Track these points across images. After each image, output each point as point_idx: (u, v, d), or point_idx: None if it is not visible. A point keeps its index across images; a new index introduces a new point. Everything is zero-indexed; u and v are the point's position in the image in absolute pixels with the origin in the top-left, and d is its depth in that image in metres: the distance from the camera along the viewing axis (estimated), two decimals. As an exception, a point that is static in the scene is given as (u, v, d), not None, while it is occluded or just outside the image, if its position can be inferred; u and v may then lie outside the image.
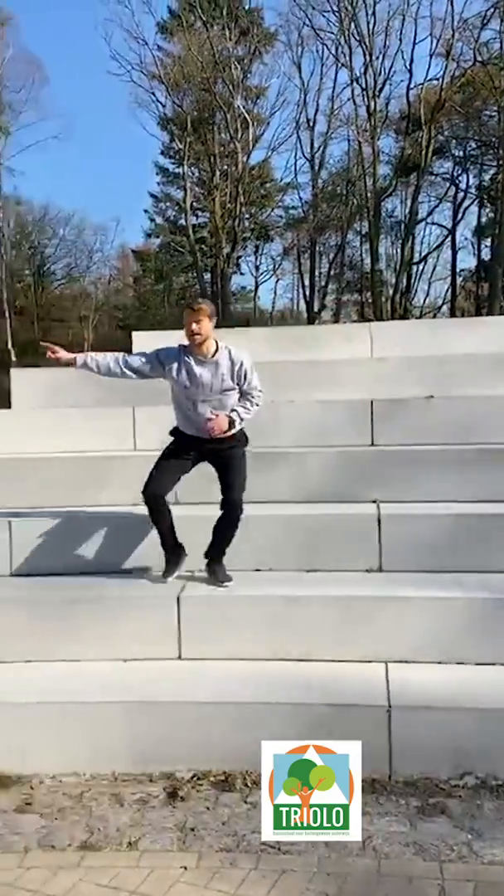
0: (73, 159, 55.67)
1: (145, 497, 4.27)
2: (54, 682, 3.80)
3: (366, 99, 30.60)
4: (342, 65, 31.71)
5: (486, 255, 34.03)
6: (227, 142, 33.16)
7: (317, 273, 35.55)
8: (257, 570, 4.54)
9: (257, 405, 4.31)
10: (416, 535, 4.52)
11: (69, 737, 3.58)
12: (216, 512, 4.33)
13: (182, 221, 35.09)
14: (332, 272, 36.38)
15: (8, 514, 4.89)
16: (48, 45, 53.89)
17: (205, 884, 2.70)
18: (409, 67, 31.73)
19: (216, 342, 4.22)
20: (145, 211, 38.09)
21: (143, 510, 4.40)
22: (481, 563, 4.40)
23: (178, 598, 4.08)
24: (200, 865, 2.82)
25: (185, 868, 2.80)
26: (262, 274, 39.23)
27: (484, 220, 33.83)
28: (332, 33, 31.68)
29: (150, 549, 4.55)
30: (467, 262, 38.25)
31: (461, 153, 33.22)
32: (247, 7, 33.79)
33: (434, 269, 36.17)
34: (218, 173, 33.37)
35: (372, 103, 30.34)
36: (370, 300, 32.90)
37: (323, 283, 36.11)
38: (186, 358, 4.20)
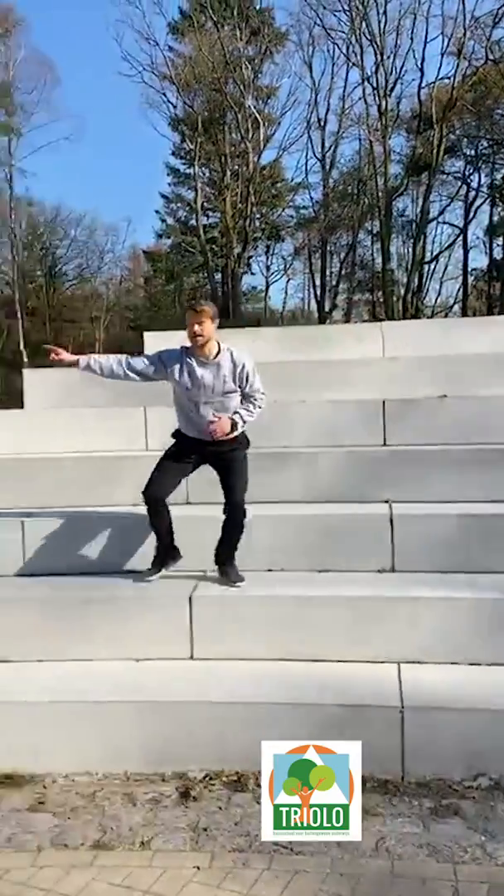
0: (84, 160, 55.82)
1: (145, 498, 4.28)
2: (67, 682, 3.81)
3: (377, 98, 30.57)
4: (353, 64, 31.69)
5: (497, 254, 33.98)
6: (238, 142, 33.19)
7: (328, 273, 35.51)
8: (269, 570, 4.53)
9: (260, 408, 4.31)
10: (429, 535, 4.51)
11: (82, 736, 3.59)
12: (218, 512, 4.33)
13: (193, 222, 35.14)
14: (343, 272, 36.33)
15: (20, 514, 4.91)
16: (60, 45, 54.11)
17: (217, 884, 2.70)
18: (420, 66, 31.73)
19: (218, 344, 4.23)
20: (156, 212, 38.22)
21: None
22: (495, 564, 4.37)
23: (190, 598, 4.08)
24: (213, 865, 2.81)
25: (198, 868, 2.80)
26: (272, 274, 39.24)
27: (496, 218, 33.71)
28: (343, 32, 31.68)
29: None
30: (479, 261, 38.21)
31: (473, 152, 33.09)
32: (258, 7, 33.82)
33: (445, 268, 36.07)
34: (229, 173, 33.40)
35: (383, 102, 30.29)
36: (381, 300, 32.81)
37: (334, 283, 36.07)
38: (188, 359, 4.21)
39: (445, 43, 29.86)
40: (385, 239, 31.35)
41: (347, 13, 30.81)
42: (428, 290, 35.01)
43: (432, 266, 34.74)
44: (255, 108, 32.61)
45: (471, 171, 33.83)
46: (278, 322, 33.90)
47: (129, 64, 42.05)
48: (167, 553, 4.41)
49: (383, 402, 5.73)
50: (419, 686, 3.63)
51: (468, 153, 33.32)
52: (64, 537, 4.72)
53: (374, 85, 30.55)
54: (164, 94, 33.78)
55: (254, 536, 4.50)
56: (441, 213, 34.05)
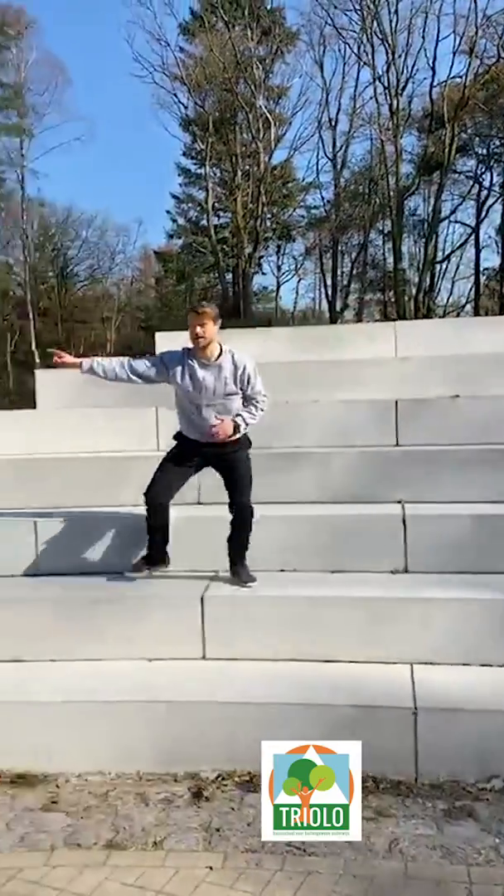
0: (95, 161, 56.00)
1: (146, 499, 4.29)
2: (79, 682, 3.82)
3: (388, 97, 30.48)
4: (364, 63, 31.62)
5: (510, 253, 33.70)
6: (249, 142, 33.19)
7: (339, 272, 35.43)
8: (282, 570, 4.53)
9: (262, 410, 4.30)
10: (442, 535, 4.49)
11: (94, 736, 3.59)
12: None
13: (204, 222, 35.17)
14: (354, 271, 36.25)
15: (33, 514, 4.92)
16: (71, 46, 54.30)
17: (230, 884, 2.70)
18: (431, 65, 31.64)
19: (220, 345, 4.23)
20: (167, 212, 38.26)
21: (169, 511, 4.41)
22: (508, 564, 4.35)
23: (202, 599, 4.08)
24: (226, 866, 2.81)
25: (211, 868, 2.80)
26: (283, 274, 39.18)
27: (508, 217, 33.49)
28: (355, 32, 31.61)
29: (174, 549, 4.55)
30: (491, 260, 37.88)
31: (485, 151, 32.91)
32: (268, 7, 33.79)
33: (457, 267, 35.88)
34: (240, 173, 33.40)
35: (394, 102, 30.20)
36: (393, 299, 32.72)
37: (345, 283, 35.99)
38: (190, 361, 4.21)
39: (457, 41, 29.77)
40: (396, 238, 31.26)
41: (358, 12, 30.78)
42: (440, 289, 34.92)
43: (444, 265, 34.62)
44: (266, 108, 32.60)
45: (483, 169, 33.67)
46: (289, 322, 33.87)
47: (140, 65, 42.17)
48: (158, 554, 4.41)
49: (396, 402, 5.71)
50: (432, 687, 3.62)
51: (480, 152, 33.16)
52: (76, 537, 4.73)
53: (386, 84, 30.50)
54: (175, 95, 33.87)
55: (266, 536, 4.49)
56: (453, 212, 33.94)
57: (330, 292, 35.10)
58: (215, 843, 2.97)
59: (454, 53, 30.58)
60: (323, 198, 35.45)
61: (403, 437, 5.62)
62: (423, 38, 30.11)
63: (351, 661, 3.89)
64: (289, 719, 3.43)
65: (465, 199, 34.08)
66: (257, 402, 4.27)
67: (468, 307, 34.57)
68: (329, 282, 35.42)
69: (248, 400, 4.27)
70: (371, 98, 31.55)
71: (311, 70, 33.85)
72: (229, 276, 35.58)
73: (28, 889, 2.72)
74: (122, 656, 4.02)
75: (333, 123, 33.59)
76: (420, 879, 2.72)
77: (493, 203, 33.73)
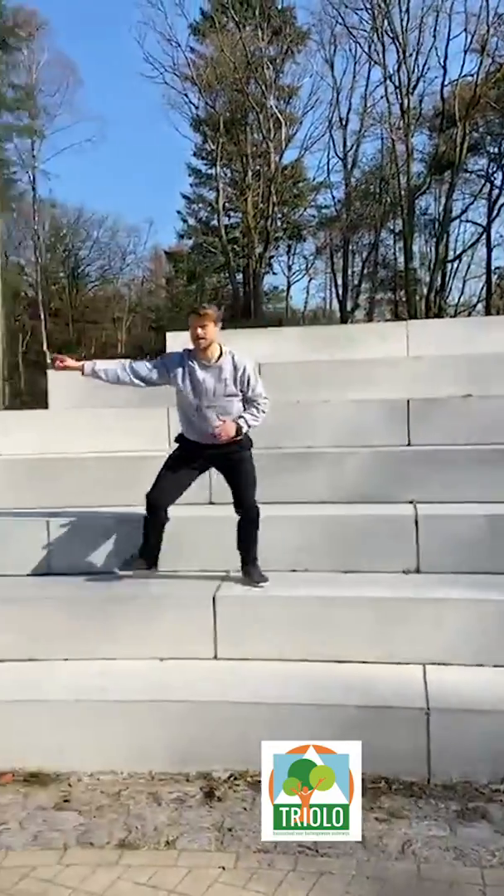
0: (107, 161, 56.15)
1: (148, 501, 4.30)
2: (92, 681, 3.82)
3: (399, 96, 30.37)
4: (375, 62, 31.50)
5: (521, 252, 33.57)
6: (260, 142, 33.18)
7: (350, 272, 35.36)
8: (293, 570, 4.52)
9: (264, 412, 4.30)
10: (455, 535, 4.47)
11: (107, 735, 3.60)
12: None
13: (214, 222, 35.18)
14: (365, 271, 36.16)
15: (45, 513, 4.94)
16: (82, 48, 54.47)
17: (243, 884, 2.70)
18: (443, 64, 31.39)
19: (220, 347, 4.24)
20: (178, 212, 38.30)
21: (180, 511, 4.42)
22: (521, 565, 4.33)
23: (213, 599, 4.08)
24: (238, 866, 2.81)
25: (223, 868, 2.80)
26: (294, 273, 39.12)
27: (519, 216, 33.31)
28: (365, 31, 31.53)
29: (186, 550, 4.56)
30: (502, 259, 37.81)
31: (496, 150, 32.72)
32: (279, 7, 33.75)
33: (469, 266, 35.70)
34: (250, 173, 33.40)
35: (405, 101, 30.10)
36: (404, 299, 32.62)
37: (356, 283, 35.91)
38: (190, 362, 4.23)
39: (468, 40, 29.58)
40: (408, 238, 31.16)
41: (369, 11, 30.68)
42: (451, 288, 34.74)
43: (455, 265, 34.46)
44: (276, 107, 32.58)
45: (494, 168, 33.45)
46: (300, 322, 33.83)
47: (150, 65, 42.26)
48: (148, 557, 4.41)
49: (408, 402, 5.70)
50: (445, 688, 3.60)
51: (491, 151, 32.97)
52: (87, 537, 4.75)
53: (397, 83, 30.39)
54: (186, 95, 33.91)
55: (277, 537, 4.50)
56: (464, 211, 33.75)
57: (340, 292, 35.05)
58: (227, 843, 2.97)
59: (465, 52, 30.36)
60: (334, 197, 35.44)
61: (415, 437, 5.61)
62: (435, 36, 30.02)
63: (363, 662, 3.88)
64: (301, 720, 3.43)
65: (476, 199, 33.91)
66: (258, 404, 4.28)
67: (479, 306, 34.41)
68: (340, 281, 35.38)
69: (249, 402, 4.28)
70: (382, 97, 31.50)
71: (322, 69, 33.85)
72: (240, 277, 35.57)
73: (41, 887, 2.73)
74: (134, 656, 4.03)
75: (344, 123, 33.57)
76: (433, 881, 2.71)
77: (505, 202, 33.59)
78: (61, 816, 3.21)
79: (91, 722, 3.61)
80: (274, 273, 38.17)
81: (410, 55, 29.99)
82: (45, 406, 6.82)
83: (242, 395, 4.26)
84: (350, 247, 35.16)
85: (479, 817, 3.10)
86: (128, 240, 41.02)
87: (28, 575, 4.72)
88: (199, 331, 4.13)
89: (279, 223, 34.57)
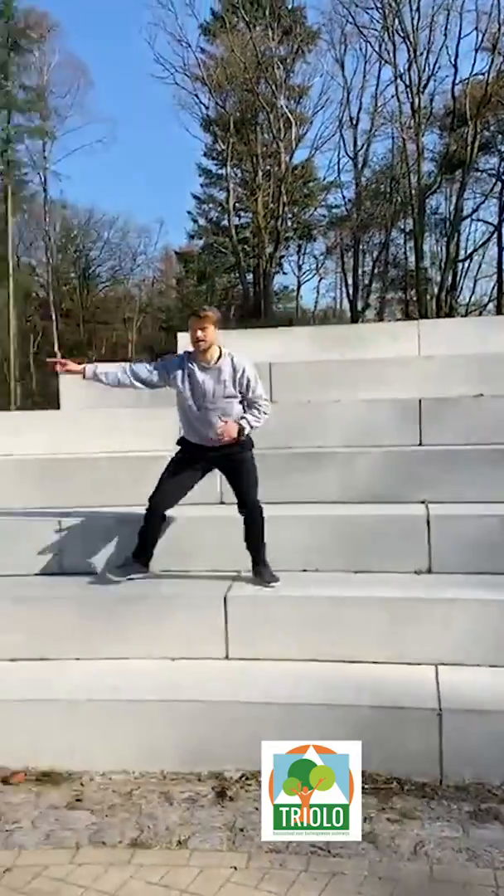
0: (117, 162, 56.28)
1: (150, 504, 4.32)
2: (103, 681, 3.83)
3: (410, 95, 30.32)
4: (386, 62, 31.45)
5: (533, 251, 33.34)
6: (270, 142, 33.19)
7: (360, 271, 35.29)
8: (304, 570, 4.52)
9: (266, 413, 4.31)
10: (467, 536, 4.45)
11: (118, 735, 3.61)
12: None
13: (225, 222, 35.21)
14: (375, 270, 36.08)
15: (57, 513, 4.95)
16: (93, 47, 54.64)
17: (255, 884, 2.69)
18: (453, 62, 31.37)
19: (220, 349, 4.26)
20: (188, 213, 38.37)
21: (190, 511, 4.42)
22: (534, 565, 4.31)
23: (224, 598, 4.08)
24: (250, 866, 2.81)
25: (235, 868, 2.79)
26: (304, 273, 39.10)
27: (531, 215, 33.15)
28: (376, 30, 31.50)
29: (196, 549, 4.57)
30: (514, 258, 37.46)
31: (508, 148, 32.63)
32: (289, 6, 33.74)
33: (480, 266, 35.54)
34: (261, 173, 33.42)
35: (416, 100, 30.05)
36: (415, 298, 32.55)
37: (366, 282, 35.84)
38: (190, 364, 4.25)
39: (479, 38, 29.52)
40: (418, 237, 31.09)
41: (380, 10, 30.66)
42: (462, 288, 34.57)
43: (466, 264, 34.32)
44: (286, 107, 32.59)
45: (505, 167, 33.36)
46: (310, 322, 33.81)
47: (161, 66, 42.33)
48: (141, 558, 4.41)
49: (419, 402, 5.68)
50: (457, 688, 3.59)
51: (503, 149, 32.89)
52: (99, 536, 4.76)
53: (407, 82, 30.35)
54: (196, 96, 33.98)
55: (288, 537, 4.50)
56: (475, 210, 33.61)
57: (351, 291, 34.99)
58: (239, 843, 2.96)
59: (476, 50, 30.27)
60: (344, 197, 35.40)
61: (427, 437, 5.59)
62: (446, 35, 30.01)
63: (374, 662, 3.87)
64: (312, 720, 3.42)
65: (487, 198, 33.75)
66: (259, 405, 4.29)
67: (490, 306, 34.26)
68: (350, 281, 35.32)
69: (249, 404, 4.29)
70: (392, 96, 31.45)
71: (332, 69, 33.95)
72: (250, 276, 35.59)
73: (53, 886, 2.73)
74: (145, 655, 4.04)
75: (355, 122, 33.53)
76: (445, 882, 2.70)
77: (516, 201, 33.42)
78: (73, 815, 3.22)
79: (103, 721, 3.62)
80: (284, 273, 38.22)
81: (421, 54, 29.98)
82: (57, 406, 6.84)
83: (242, 397, 4.27)
84: (360, 246, 35.09)
85: (491, 818, 3.08)
86: (138, 240, 41.21)
87: (39, 574, 4.74)
88: (199, 333, 4.15)
89: (289, 223, 34.56)
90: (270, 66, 31.64)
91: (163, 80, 40.90)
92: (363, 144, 33.71)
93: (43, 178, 35.41)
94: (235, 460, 4.32)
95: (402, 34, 30.04)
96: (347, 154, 34.21)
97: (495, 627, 3.85)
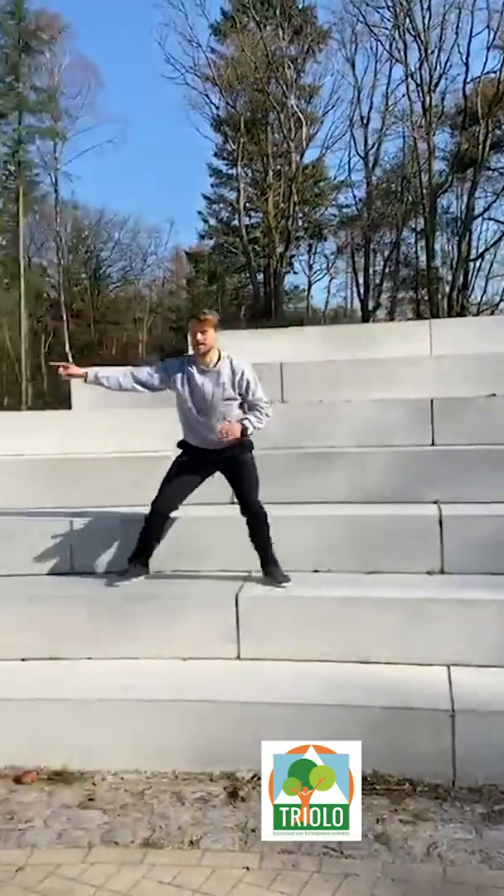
0: (128, 163, 56.43)
1: (152, 507, 4.34)
2: (115, 680, 3.83)
3: (421, 94, 30.25)
4: (397, 60, 31.38)
5: (545, 250, 33.19)
6: (281, 141, 33.18)
7: (371, 271, 35.22)
8: (315, 570, 4.51)
9: (267, 416, 4.32)
10: (480, 536, 4.43)
11: (130, 734, 3.60)
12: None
13: (235, 222, 35.23)
14: (386, 270, 36.00)
15: (69, 513, 4.97)
16: (103, 48, 54.81)
17: (268, 885, 2.69)
18: (465, 61, 31.04)
19: (219, 352, 4.28)
20: (199, 213, 38.39)
21: (201, 511, 4.42)
22: (547, 566, 4.28)
23: (236, 598, 4.08)
24: (262, 866, 2.80)
25: (247, 869, 2.79)
26: (315, 273, 39.04)
27: (543, 214, 33.01)
28: (387, 29, 31.43)
29: (207, 550, 4.57)
30: (526, 257, 37.29)
31: (519, 147, 32.49)
32: (300, 6, 33.72)
33: (491, 265, 35.37)
34: (271, 173, 33.43)
35: (427, 98, 29.97)
36: (426, 298, 32.47)
37: (377, 282, 35.76)
38: (189, 368, 4.28)
39: (491, 37, 29.35)
40: (429, 236, 31.01)
41: (391, 9, 30.58)
42: (473, 287, 34.44)
43: (478, 263, 34.20)
44: (297, 107, 32.57)
45: (517, 166, 33.21)
46: (321, 321, 33.77)
47: (172, 66, 42.37)
48: (140, 560, 4.41)
49: (431, 401, 5.66)
50: (470, 689, 3.57)
51: (515, 148, 32.74)
52: (110, 536, 4.77)
53: (418, 81, 30.27)
54: (207, 96, 34.02)
55: (299, 537, 4.50)
56: (487, 209, 33.44)
57: (362, 291, 34.92)
58: (251, 844, 2.96)
59: (488, 49, 30.07)
60: (355, 196, 35.36)
61: (439, 437, 5.57)
62: (457, 33, 29.87)
63: (387, 663, 3.85)
64: (324, 721, 3.41)
65: (499, 197, 33.55)
66: (260, 408, 4.29)
67: (502, 305, 34.14)
68: (361, 280, 35.26)
69: (251, 407, 4.30)
70: (403, 95, 31.39)
71: (343, 68, 33.88)
72: (260, 276, 35.59)
73: (66, 885, 2.74)
74: (156, 655, 4.04)
75: (365, 121, 33.46)
76: (459, 884, 2.68)
77: (529, 200, 33.26)
78: (86, 815, 3.22)
79: (114, 721, 3.62)
80: (295, 272, 38.18)
81: (432, 52, 29.88)
82: (69, 406, 6.86)
83: (242, 400, 4.27)
84: (371, 245, 35.02)
85: (505, 820, 3.07)
86: (149, 241, 41.32)
87: (51, 574, 4.75)
88: (199, 336, 4.18)
89: (300, 222, 34.54)
90: (281, 65, 31.63)
91: (173, 80, 40.84)
92: (374, 144, 33.69)
93: (54, 179, 35.63)
94: (236, 462, 4.34)
95: (413, 33, 29.99)
96: (358, 153, 34.18)
97: (508, 628, 3.83)
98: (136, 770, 3.54)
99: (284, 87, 32.03)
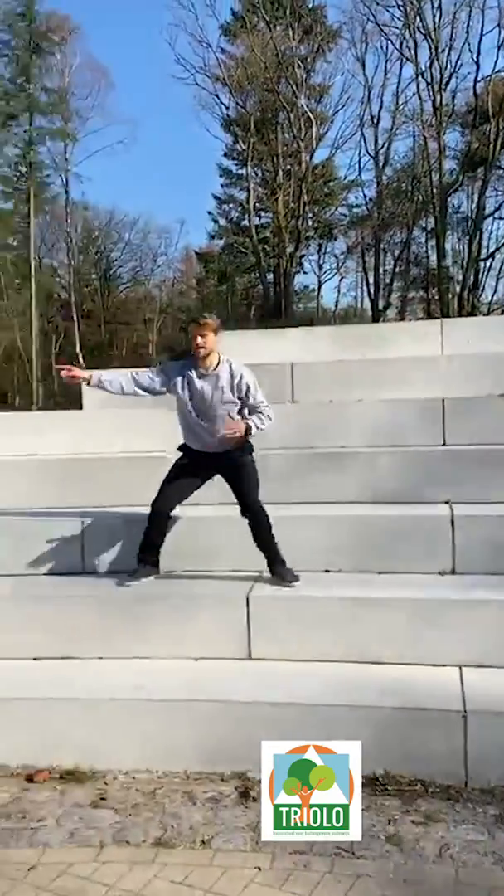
0: (137, 163, 56.56)
1: (152, 509, 4.36)
2: (126, 680, 3.84)
3: (431, 93, 30.20)
4: (407, 59, 31.34)
5: None
6: (291, 141, 33.17)
7: (381, 270, 35.15)
8: (326, 570, 4.50)
9: (270, 419, 4.32)
10: (492, 536, 4.41)
11: (141, 734, 3.61)
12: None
13: (245, 222, 35.23)
14: (396, 269, 35.93)
15: (80, 513, 4.98)
16: (113, 49, 54.93)
17: (279, 885, 2.68)
18: (475, 59, 30.99)
19: (219, 355, 4.30)
20: (209, 213, 38.42)
21: (212, 511, 4.42)
22: None
23: (247, 598, 4.08)
24: (274, 867, 2.80)
25: (259, 869, 2.78)
26: (325, 272, 39.01)
27: None
28: (397, 28, 31.38)
29: (218, 550, 4.57)
30: (537, 256, 37.10)
31: (531, 145, 32.32)
32: (310, 5, 33.70)
33: (502, 264, 35.27)
34: (281, 173, 33.42)
35: (438, 97, 29.89)
36: (436, 297, 32.37)
37: (388, 281, 35.69)
38: (189, 372, 4.30)
39: (502, 35, 29.29)
40: (440, 235, 30.93)
41: (401, 8, 30.54)
42: (484, 286, 34.33)
43: (489, 262, 34.08)
44: (307, 106, 32.54)
45: (529, 165, 33.05)
46: (331, 321, 33.73)
47: (182, 67, 42.48)
48: (149, 561, 4.42)
49: (443, 401, 5.64)
50: (482, 690, 3.55)
51: (526, 147, 32.57)
52: (122, 536, 4.77)
53: (429, 80, 30.22)
54: (217, 96, 34.06)
55: (310, 537, 4.49)
56: (498, 208, 33.31)
57: (372, 290, 34.86)
58: (263, 844, 2.95)
59: (499, 47, 29.92)
60: (365, 196, 35.32)
61: (451, 437, 5.55)
62: (467, 32, 29.79)
63: (398, 663, 3.84)
64: (335, 721, 3.40)
65: (509, 195, 33.52)
66: (261, 412, 4.30)
67: (513, 304, 33.99)
68: (371, 280, 35.19)
69: (251, 410, 4.30)
70: (414, 94, 31.35)
71: (353, 67, 33.81)
72: (270, 276, 35.59)
73: (78, 884, 2.74)
74: (168, 655, 4.04)
75: (376, 121, 33.42)
76: (471, 886, 2.67)
77: (539, 199, 33.11)
78: (97, 814, 3.23)
79: (126, 720, 3.63)
80: (305, 272, 38.16)
81: (443, 51, 29.84)
82: (80, 407, 6.88)
83: (242, 404, 4.28)
84: (381, 245, 34.94)
85: (518, 822, 3.05)
86: (159, 241, 41.35)
87: (63, 574, 4.76)
88: (199, 339, 4.20)
89: (310, 222, 34.51)
90: (291, 65, 31.63)
91: (183, 80, 40.92)
92: (384, 143, 33.64)
93: (64, 180, 35.76)
94: (236, 465, 4.35)
95: (423, 31, 29.93)
96: (368, 153, 34.15)
97: (520, 629, 3.81)
98: (148, 769, 3.54)
99: (294, 86, 32.02)
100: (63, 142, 35.20)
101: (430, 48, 29.83)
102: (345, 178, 35.99)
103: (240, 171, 35.78)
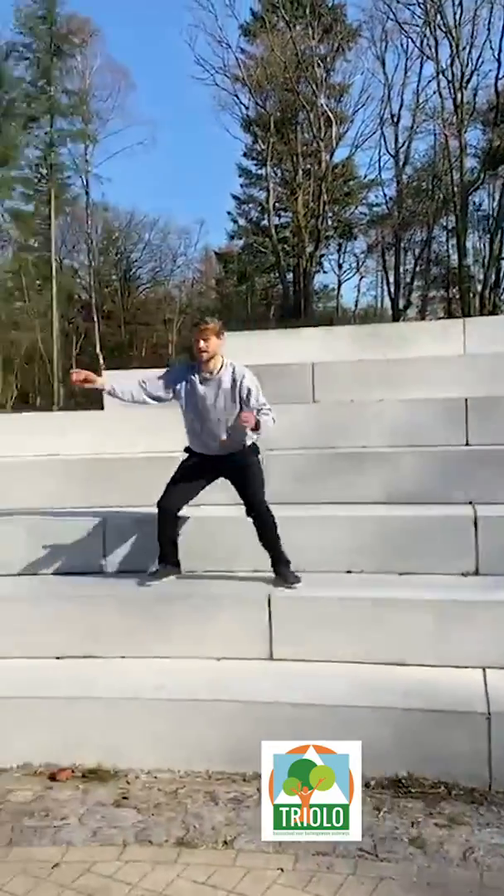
0: (158, 164, 56.77)
1: (158, 508, 4.37)
2: (148, 679, 3.84)
3: (452, 91, 30.03)
4: (427, 57, 31.23)
5: None
6: (310, 141, 33.13)
7: (402, 269, 35.03)
8: (349, 571, 4.48)
9: (273, 419, 4.28)
10: (515, 537, 4.37)
11: (163, 733, 3.62)
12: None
13: (265, 222, 35.24)
14: (417, 268, 35.76)
15: (102, 513, 5.00)
16: (134, 51, 55.16)
17: (302, 887, 2.67)
18: (497, 57, 30.68)
19: (222, 359, 4.30)
20: (228, 213, 38.47)
21: (232, 511, 4.42)
22: None
23: (269, 598, 4.07)
24: (297, 868, 2.79)
25: (282, 870, 2.77)
26: (345, 272, 38.92)
27: None
28: (417, 26, 31.24)
29: (240, 549, 4.56)
30: None
31: (552, 143, 32.01)
32: (330, 4, 33.61)
33: (524, 263, 35.00)
34: (301, 172, 33.37)
35: (458, 95, 29.70)
36: (457, 296, 32.16)
37: (408, 280, 35.54)
38: (192, 376, 4.31)
39: (524, 32, 29.05)
40: (461, 234, 30.72)
41: (422, 6, 30.41)
42: (506, 285, 34.09)
43: (510, 261, 33.80)
44: (327, 106, 32.47)
45: (550, 162, 32.72)
46: (351, 321, 33.63)
47: (202, 67, 42.55)
48: (169, 561, 4.44)
49: (465, 401, 5.60)
50: (506, 692, 3.52)
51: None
52: (143, 536, 4.77)
53: (450, 78, 30.04)
54: (237, 96, 34.10)
55: (332, 538, 4.48)
56: (519, 206, 33.08)
57: (392, 290, 34.74)
58: (286, 845, 2.93)
59: (521, 44, 29.80)
60: (385, 195, 35.21)
61: (474, 437, 5.50)
62: (489, 29, 29.61)
63: (421, 665, 3.82)
64: (359, 722, 3.38)
65: (532, 193, 33.20)
66: (265, 413, 4.27)
67: (536, 303, 33.68)
68: (392, 279, 35.07)
69: (255, 414, 4.27)
70: (434, 93, 31.21)
71: (373, 66, 33.74)
72: (290, 276, 35.55)
73: (101, 883, 2.75)
74: (190, 655, 4.04)
75: (396, 119, 33.32)
76: (496, 889, 2.64)
77: None
78: (120, 813, 3.24)
79: (148, 720, 3.64)
80: (324, 272, 38.10)
81: (464, 49, 29.67)
82: (101, 407, 6.91)
83: (244, 407, 4.26)
84: (402, 244, 34.82)
85: (543, 826, 3.02)
86: (178, 242, 41.45)
87: (86, 573, 4.78)
88: (201, 343, 4.21)
89: (330, 222, 34.43)
90: (310, 64, 31.60)
91: (203, 81, 41.06)
92: (404, 142, 33.49)
93: (85, 181, 36.00)
94: (240, 466, 4.35)
95: (444, 29, 29.79)
96: (388, 151, 34.05)
97: (545, 631, 3.77)
98: (170, 769, 3.55)
99: (314, 86, 31.98)
100: (83, 143, 35.48)
101: (450, 46, 29.70)
102: (365, 177, 35.96)
103: (259, 171, 35.83)
